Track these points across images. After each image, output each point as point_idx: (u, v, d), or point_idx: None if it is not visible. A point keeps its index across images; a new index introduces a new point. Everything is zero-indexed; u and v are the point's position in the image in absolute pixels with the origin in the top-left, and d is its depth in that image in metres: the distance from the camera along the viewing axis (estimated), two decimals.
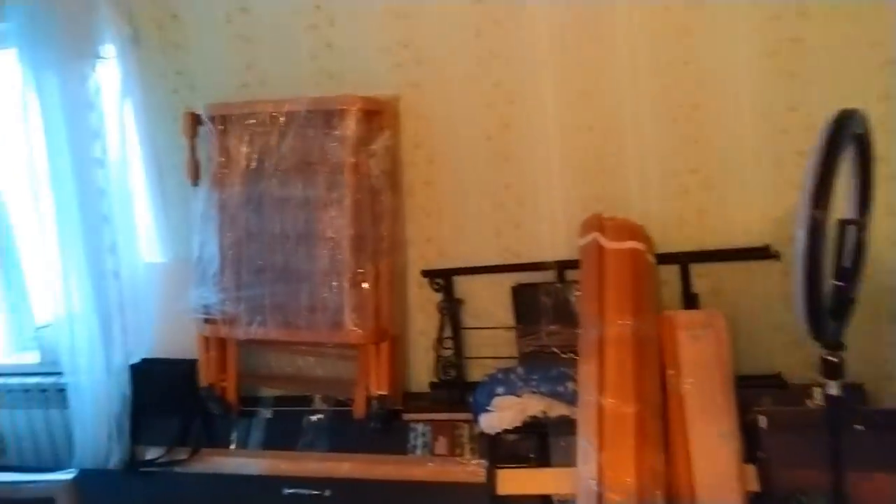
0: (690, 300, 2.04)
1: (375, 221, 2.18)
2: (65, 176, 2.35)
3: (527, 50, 2.09)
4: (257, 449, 2.31)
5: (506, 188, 2.19)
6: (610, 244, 1.93)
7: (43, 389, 2.66)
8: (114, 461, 2.37)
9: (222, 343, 2.34)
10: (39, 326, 2.73)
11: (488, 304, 2.23)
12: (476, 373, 2.25)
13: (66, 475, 1.83)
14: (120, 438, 2.38)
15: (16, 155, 2.48)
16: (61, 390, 2.52)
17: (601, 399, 1.69)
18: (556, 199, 2.15)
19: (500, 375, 2.02)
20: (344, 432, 2.23)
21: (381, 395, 2.15)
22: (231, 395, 2.36)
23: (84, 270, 2.37)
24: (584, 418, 1.71)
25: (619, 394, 1.69)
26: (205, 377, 2.35)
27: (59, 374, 2.52)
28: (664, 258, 2.03)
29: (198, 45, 2.40)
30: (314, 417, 2.29)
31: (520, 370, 2.02)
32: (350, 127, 2.11)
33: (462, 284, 2.26)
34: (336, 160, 2.15)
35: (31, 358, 2.75)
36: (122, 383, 2.42)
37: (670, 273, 2.06)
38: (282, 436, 2.30)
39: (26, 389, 2.70)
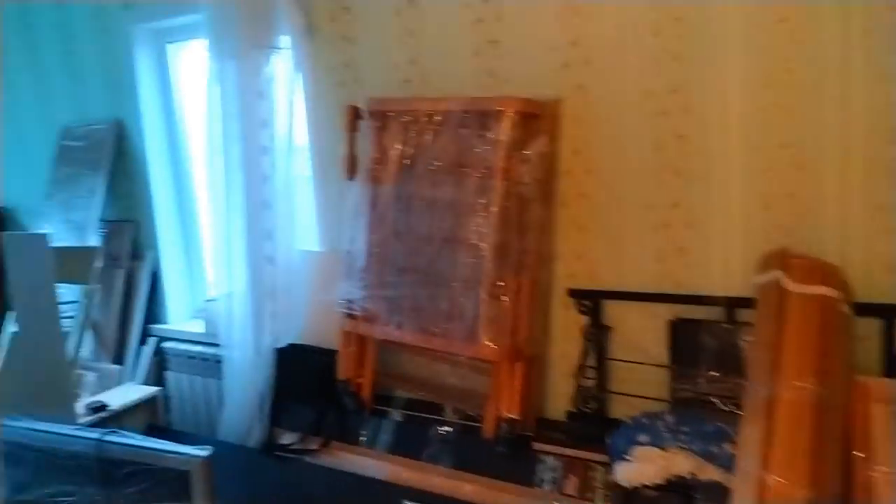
0: (893, 365, 1.65)
1: (522, 232, 2.03)
2: (235, 161, 2.47)
3: (712, 52, 1.81)
4: (384, 451, 2.28)
5: (673, 207, 1.93)
6: (795, 287, 1.61)
7: (205, 359, 2.86)
8: (253, 440, 2.47)
9: (362, 339, 2.34)
10: (208, 299, 2.93)
11: (640, 335, 1.99)
12: (619, 409, 2.02)
13: (202, 451, 1.89)
14: (261, 419, 2.48)
15: (203, 141, 2.67)
16: (219, 362, 2.68)
17: (765, 474, 1.41)
18: (733, 226, 1.85)
19: (644, 420, 1.79)
20: (470, 450, 2.12)
21: (511, 417, 2.01)
22: (366, 392, 2.35)
23: (243, 252, 2.49)
24: (741, 494, 1.44)
25: (788, 472, 1.39)
26: (343, 371, 2.37)
27: (218, 346, 2.69)
28: (863, 309, 1.66)
29: (366, 38, 2.39)
30: (442, 429, 2.21)
31: (669, 418, 1.77)
32: (505, 130, 1.98)
33: (612, 310, 2.04)
34: (487, 164, 2.02)
35: (199, 327, 2.97)
36: (268, 365, 2.51)
37: (870, 328, 1.68)
38: (409, 442, 2.25)
39: (191, 356, 2.92)
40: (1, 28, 3.37)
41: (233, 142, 2.47)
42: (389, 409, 2.36)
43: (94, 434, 2.08)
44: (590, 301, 2.05)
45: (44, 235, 2.36)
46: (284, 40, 2.46)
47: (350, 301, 2.28)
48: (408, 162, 2.19)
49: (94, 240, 3.07)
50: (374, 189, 2.26)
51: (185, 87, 3.10)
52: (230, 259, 2.53)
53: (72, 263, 2.92)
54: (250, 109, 2.44)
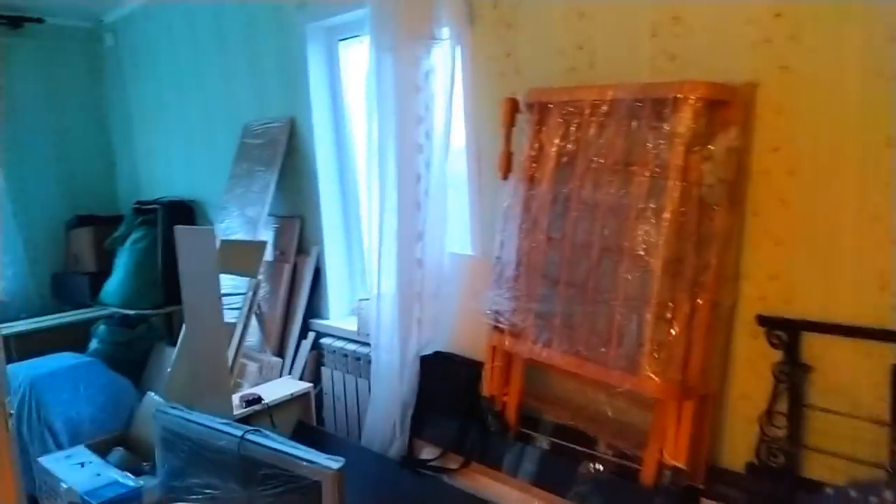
0: None
1: (701, 243, 1.69)
2: (389, 159, 2.38)
3: None
4: (527, 480, 2.05)
5: None
6: None
7: (357, 358, 2.83)
8: (394, 451, 2.37)
9: (509, 355, 2.13)
10: (361, 298, 2.90)
11: (851, 380, 1.57)
12: (815, 468, 1.61)
13: (334, 463, 1.81)
14: (402, 429, 2.37)
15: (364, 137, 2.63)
16: (370, 363, 2.62)
17: None
18: None
19: (853, 494, 1.39)
20: (624, 496, 1.83)
21: (675, 466, 1.68)
22: (511, 413, 2.14)
23: (394, 254, 2.39)
24: None
25: None
26: (487, 387, 2.18)
27: (369, 346, 2.63)
28: None
29: (529, 23, 2.17)
30: (594, 466, 1.93)
31: (888, 495, 1.35)
32: (684, 121, 1.66)
33: (814, 345, 1.63)
34: (661, 161, 1.71)
35: (353, 325, 2.95)
36: (413, 373, 2.39)
37: None
38: (554, 475, 2.00)
39: (345, 354, 2.90)
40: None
41: (388, 139, 2.38)
42: (536, 435, 2.12)
43: (237, 431, 2.09)
44: (785, 332, 1.65)
45: (210, 230, 2.45)
46: (444, 31, 2.32)
47: (497, 312, 2.08)
48: (567, 159, 1.94)
49: (264, 234, 3.19)
50: (528, 190, 2.04)
51: (352, 84, 3.10)
52: (381, 259, 2.45)
53: (243, 256, 3.05)
54: (406, 105, 2.33)
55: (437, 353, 2.42)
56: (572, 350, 1.88)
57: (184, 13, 3.76)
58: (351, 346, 2.88)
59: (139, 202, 4.28)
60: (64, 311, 4.25)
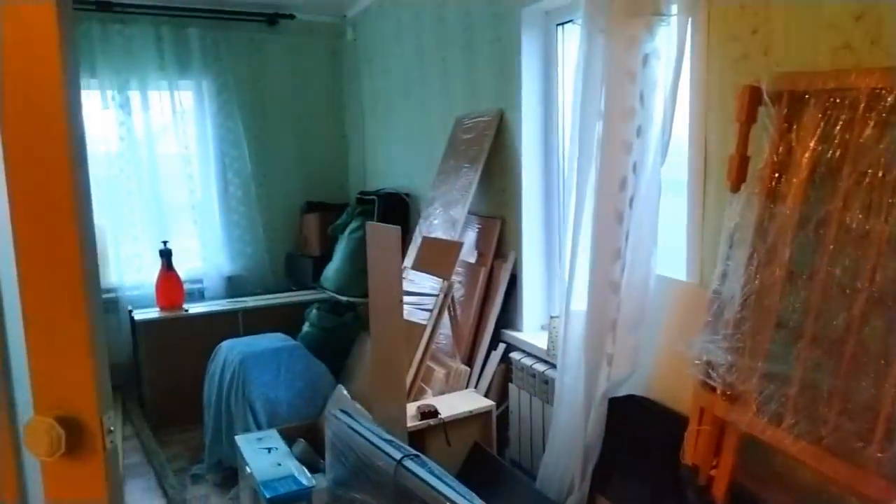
0: None
1: None
2: (590, 159, 2.01)
3: None
4: None
5: None
6: None
7: (545, 381, 2.51)
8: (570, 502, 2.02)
9: (722, 421, 1.65)
10: (554, 315, 2.56)
11: None
12: None
13: None
14: (582, 480, 2.00)
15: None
16: None
17: None
18: None
19: None
20: None
21: None
22: (719, 492, 1.66)
23: (585, 271, 2.02)
24: None
25: None
26: (690, 454, 1.72)
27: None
28: None
29: None
30: None
31: None
32: None
33: None
34: None
35: (543, 343, 2.63)
36: (600, 416, 2.01)
37: None
38: None
39: (533, 374, 2.60)
40: None
41: (590, 135, 2.01)
42: None
43: (396, 454, 1.91)
44: None
45: (395, 228, 2.30)
46: (673, 6, 1.88)
47: (709, 364, 1.61)
48: (825, 169, 1.41)
49: (462, 234, 3.00)
50: (766, 207, 1.54)
51: (566, 74, 2.76)
52: (572, 276, 2.10)
53: (439, 256, 2.90)
54: (616, 95, 1.94)
55: (630, 397, 2.00)
56: (813, 436, 1.36)
57: (411, 6, 3.72)
58: (540, 367, 2.57)
59: (362, 192, 4.40)
60: (291, 290, 4.56)
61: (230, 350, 3.26)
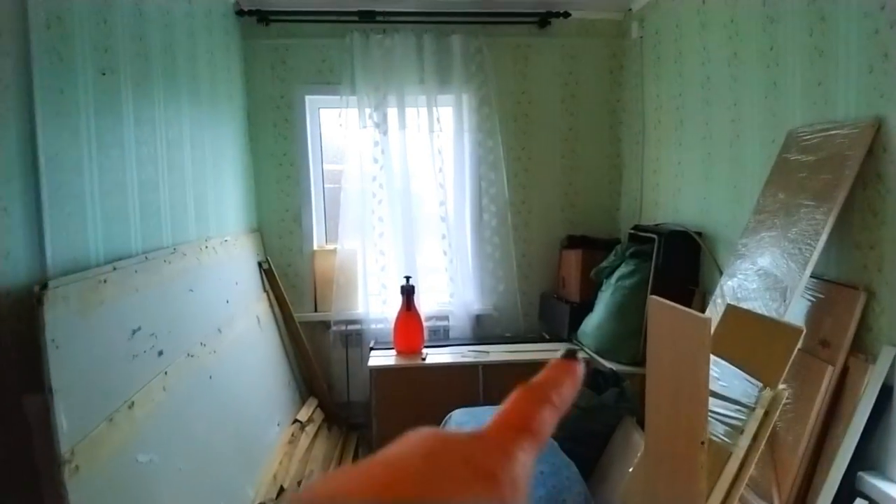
0: None
1: None
2: None
3: None
4: None
5: None
6: None
7: None
8: None
9: None
10: None
11: None
12: None
13: None
14: None
15: None
16: None
17: None
18: None
19: None
20: None
21: None
22: None
23: None
24: None
25: None
26: None
27: None
28: None
29: None
30: None
31: None
32: None
33: None
34: None
35: None
36: None
37: None
38: None
39: None
40: None
41: None
42: None
43: None
44: None
45: (706, 321, 1.40)
46: None
47: None
48: None
49: (796, 308, 1.96)
50: None
51: None
52: None
53: (758, 344, 1.89)
54: None
55: None
56: None
57: None
58: None
59: (636, 227, 3.49)
60: (544, 338, 3.82)
61: (460, 426, 2.62)
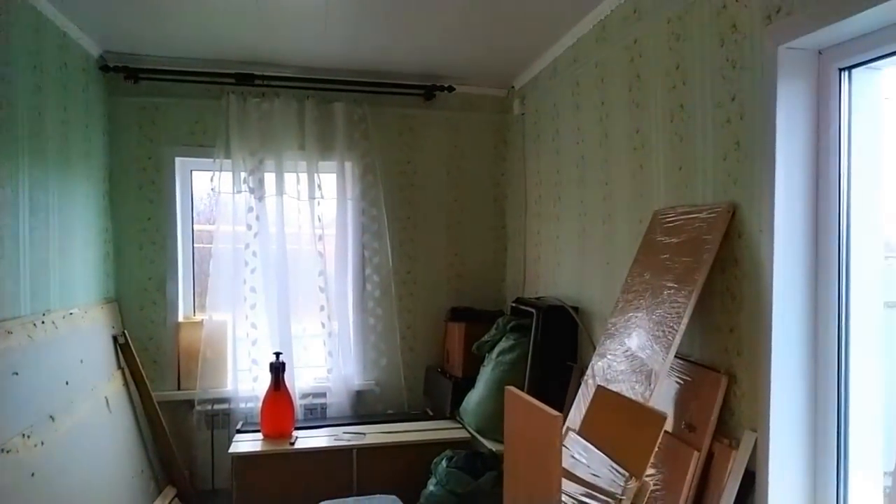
0: None
1: None
2: None
3: None
4: None
5: None
6: None
7: None
8: None
9: None
10: None
11: None
12: None
13: None
14: None
15: None
16: None
17: None
18: None
19: None
20: None
21: None
22: None
23: None
24: None
25: None
26: None
27: None
28: None
29: None
30: None
31: None
32: None
33: None
34: None
35: None
36: None
37: None
38: None
39: None
40: None
41: None
42: None
43: None
44: None
45: (557, 418, 1.31)
46: None
47: None
48: None
49: (661, 391, 1.92)
50: None
51: (865, 146, 1.66)
52: None
53: (624, 428, 1.83)
54: None
55: None
56: None
57: (598, 63, 2.83)
58: None
59: (518, 299, 3.46)
60: (426, 414, 3.67)
61: None
